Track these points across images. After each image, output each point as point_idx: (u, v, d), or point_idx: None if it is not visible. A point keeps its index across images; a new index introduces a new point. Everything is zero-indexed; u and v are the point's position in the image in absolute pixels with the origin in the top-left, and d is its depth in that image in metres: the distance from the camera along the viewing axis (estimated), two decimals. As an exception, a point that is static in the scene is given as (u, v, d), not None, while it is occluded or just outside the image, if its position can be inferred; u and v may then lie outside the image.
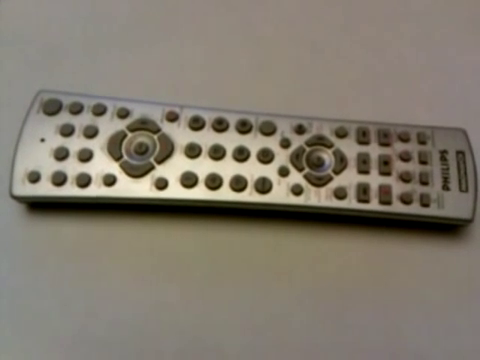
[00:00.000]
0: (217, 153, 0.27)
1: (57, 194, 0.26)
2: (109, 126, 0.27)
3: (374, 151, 0.27)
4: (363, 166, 0.27)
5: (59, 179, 0.26)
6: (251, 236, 0.27)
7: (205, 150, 0.27)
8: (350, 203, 0.26)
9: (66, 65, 0.32)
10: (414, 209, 0.26)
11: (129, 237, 0.27)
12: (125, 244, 0.27)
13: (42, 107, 0.28)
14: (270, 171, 0.26)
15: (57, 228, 0.27)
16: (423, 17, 0.35)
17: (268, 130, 0.27)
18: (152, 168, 0.26)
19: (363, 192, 0.26)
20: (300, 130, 0.27)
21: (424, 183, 0.26)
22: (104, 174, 0.26)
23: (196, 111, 0.28)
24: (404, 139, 0.27)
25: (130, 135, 0.27)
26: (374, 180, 0.26)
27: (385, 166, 0.27)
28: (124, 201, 0.26)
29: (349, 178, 0.26)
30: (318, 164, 0.27)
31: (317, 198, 0.26)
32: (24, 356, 0.25)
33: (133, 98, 0.28)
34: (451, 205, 0.26)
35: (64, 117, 0.28)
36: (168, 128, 0.27)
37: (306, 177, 0.26)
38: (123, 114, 0.28)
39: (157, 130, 0.27)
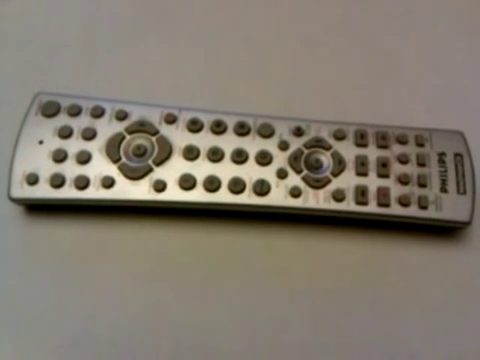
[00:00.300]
0: (215, 155, 0.27)
1: (55, 196, 0.26)
2: (107, 128, 0.27)
3: (372, 153, 0.27)
4: (361, 168, 0.27)
5: (57, 181, 0.26)
6: (249, 238, 0.27)
7: (203, 152, 0.27)
8: (348, 205, 0.26)
9: (64, 67, 0.32)
10: (412, 211, 0.26)
11: (127, 239, 0.27)
12: (123, 246, 0.27)
13: (40, 109, 0.28)
14: (268, 173, 0.26)
15: (55, 230, 0.27)
16: (422, 19, 0.35)
17: (266, 132, 0.27)
18: (150, 170, 0.26)
19: (361, 194, 0.26)
20: (298, 132, 0.27)
21: (422, 185, 0.26)
22: (102, 176, 0.26)
23: (194, 113, 0.28)
24: (402, 141, 0.27)
25: (128, 137, 0.27)
26: (372, 182, 0.26)
27: (383, 168, 0.27)
28: (122, 203, 0.26)
29: (347, 180, 0.26)
30: (316, 166, 0.27)
31: (315, 200, 0.26)
32: (22, 358, 0.25)
33: (131, 100, 0.28)
34: (449, 207, 0.26)
35: (62, 119, 0.27)
36: (166, 130, 0.27)
37: (304, 179, 0.26)
38: (121, 116, 0.28)
39: (155, 132, 0.27)
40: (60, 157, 0.27)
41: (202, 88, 0.32)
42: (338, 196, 0.26)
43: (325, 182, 0.26)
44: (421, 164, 0.27)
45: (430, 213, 0.26)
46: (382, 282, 0.26)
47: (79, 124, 0.27)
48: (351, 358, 0.25)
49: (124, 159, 0.27)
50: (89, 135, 0.27)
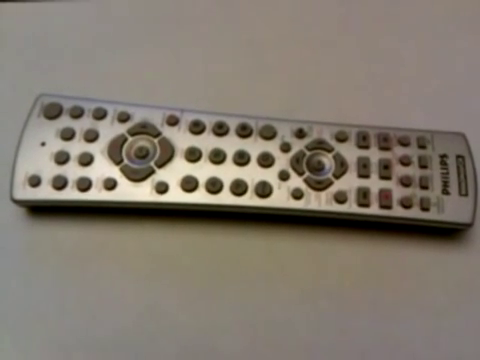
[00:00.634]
0: (217, 157, 0.27)
1: (57, 198, 0.26)
2: (110, 130, 0.27)
3: (374, 155, 0.27)
4: (363, 170, 0.27)
5: (59, 183, 0.26)
6: (251, 240, 0.27)
7: (205, 154, 0.27)
8: (350, 207, 0.26)
9: (67, 69, 0.32)
10: (414, 213, 0.26)
11: (129, 241, 0.27)
12: (125, 248, 0.27)
13: (43, 111, 0.28)
14: (270, 175, 0.27)
15: (57, 232, 0.27)
16: (423, 20, 0.35)
17: (268, 134, 0.27)
18: (152, 172, 0.26)
19: (363, 196, 0.26)
20: (300, 134, 0.27)
21: (424, 187, 0.26)
22: (104, 178, 0.26)
23: (196, 115, 0.28)
24: (404, 143, 0.27)
25: (130, 139, 0.27)
26: (374, 184, 0.26)
27: (385, 170, 0.27)
28: (124, 205, 0.26)
29: (349, 182, 0.26)
30: (318, 168, 0.27)
31: (317, 202, 0.26)
32: (24, 358, 0.25)
33: (133, 102, 0.28)
34: (451, 209, 0.26)
35: (65, 121, 0.28)
36: (168, 132, 0.27)
37: (306, 181, 0.26)
38: (124, 118, 0.28)
39: (157, 134, 0.27)
40: (62, 159, 0.27)
41: (204, 90, 0.32)
42: (340, 198, 0.26)
43: (327, 184, 0.26)
44: (423, 166, 0.27)
45: (432, 215, 0.26)
46: (384, 284, 0.26)
47: (81, 126, 0.27)
48: (352, 359, 0.25)
49: (126, 161, 0.27)
50: (91, 137, 0.27)
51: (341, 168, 0.27)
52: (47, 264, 0.27)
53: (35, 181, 0.26)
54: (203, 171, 0.27)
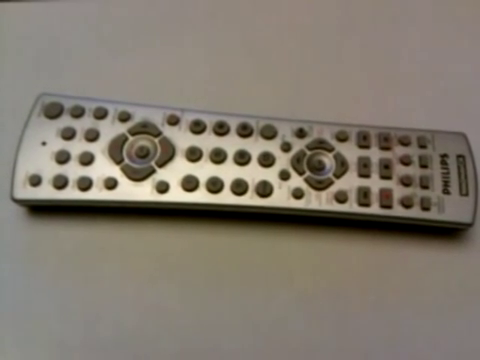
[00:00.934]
0: (218, 157, 0.27)
1: (58, 197, 0.26)
2: (110, 129, 0.27)
3: (375, 155, 0.27)
4: (364, 170, 0.27)
5: (60, 182, 0.26)
6: (252, 240, 0.27)
7: (206, 154, 0.27)
8: (351, 207, 0.26)
9: (67, 68, 0.32)
10: (415, 213, 0.26)
11: (130, 240, 0.27)
12: (126, 247, 0.27)
13: (43, 110, 0.28)
14: (271, 175, 0.27)
15: (58, 231, 0.27)
16: (423, 21, 0.35)
17: (269, 134, 0.27)
18: (153, 172, 0.26)
19: (364, 196, 0.26)
20: (301, 134, 0.27)
21: (425, 187, 0.26)
22: (105, 177, 0.26)
23: (197, 115, 0.28)
24: (405, 143, 0.27)
25: (131, 139, 0.27)
26: (375, 184, 0.26)
27: (386, 170, 0.27)
28: (125, 205, 0.26)
29: (350, 182, 0.26)
30: (319, 168, 0.27)
31: (318, 202, 0.26)
32: (24, 358, 0.25)
33: (134, 102, 0.28)
34: (451, 209, 0.26)
35: (65, 120, 0.28)
36: (169, 132, 0.27)
37: (307, 181, 0.26)
38: (124, 117, 0.28)
39: (158, 134, 0.27)
40: (63, 158, 0.27)
41: (205, 89, 0.32)
42: (340, 197, 0.26)
43: (327, 183, 0.26)
44: (423, 166, 0.27)
45: (432, 215, 0.26)
46: (384, 283, 0.26)
47: (82, 125, 0.27)
48: (353, 358, 0.25)
49: (127, 160, 0.27)
50: (92, 136, 0.27)
51: (342, 168, 0.27)
52: (47, 263, 0.27)
53: (36, 180, 0.26)
54: (204, 171, 0.27)
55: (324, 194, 0.26)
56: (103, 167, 0.27)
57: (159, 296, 0.26)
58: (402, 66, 0.33)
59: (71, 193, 0.26)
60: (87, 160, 0.27)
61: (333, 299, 0.26)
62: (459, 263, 0.27)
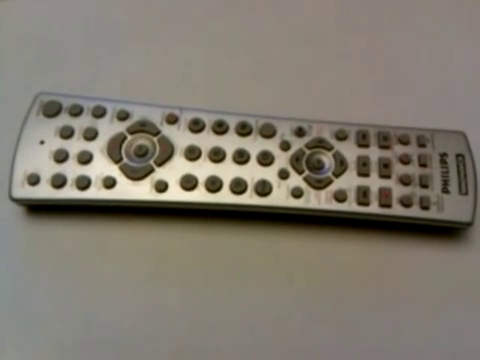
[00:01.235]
0: (217, 156, 0.27)
1: (57, 196, 0.26)
2: (109, 128, 0.27)
3: (374, 154, 0.27)
4: (363, 169, 0.27)
5: (59, 181, 0.26)
6: (251, 239, 0.27)
7: (205, 152, 0.27)
8: (350, 206, 0.26)
9: (66, 67, 0.32)
10: (414, 212, 0.26)
11: (128, 240, 0.27)
12: (124, 247, 0.27)
13: (42, 109, 0.28)
14: (270, 174, 0.26)
15: (56, 231, 0.27)
16: (423, 19, 0.35)
17: (268, 132, 0.27)
18: (152, 171, 0.26)
19: (363, 195, 0.26)
20: (300, 133, 0.27)
21: (424, 186, 0.26)
22: (104, 176, 0.26)
23: (196, 113, 0.28)
24: (404, 142, 0.27)
25: (130, 137, 0.27)
26: (374, 183, 0.26)
27: (385, 169, 0.27)
28: (124, 204, 0.26)
29: (349, 181, 0.26)
30: (318, 167, 0.27)
31: (317, 201, 0.26)
32: (23, 357, 0.25)
33: (133, 100, 0.28)
34: (451, 208, 0.26)
35: (64, 119, 0.27)
36: (168, 130, 0.27)
37: (306, 180, 0.26)
38: (123, 116, 0.28)
39: (157, 132, 0.27)
40: (61, 157, 0.26)
41: (203, 88, 0.31)
42: (340, 197, 0.26)
43: (327, 183, 0.26)
44: (423, 165, 0.27)
45: (432, 214, 0.26)
46: (383, 283, 0.26)
47: (80, 124, 0.27)
48: (353, 358, 0.25)
49: (125, 159, 0.27)
50: (90, 135, 0.27)
51: (341, 167, 0.27)
52: (46, 263, 0.27)
53: (34, 179, 0.26)
54: (203, 170, 0.26)
55: (323, 193, 0.26)
56: (102, 166, 0.26)
57: (158, 295, 0.26)
58: (401, 65, 0.33)
59: (69, 192, 0.26)
60: (85, 159, 0.26)
61: (332, 298, 0.26)
62: (458, 262, 0.27)
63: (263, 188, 0.26)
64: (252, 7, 0.35)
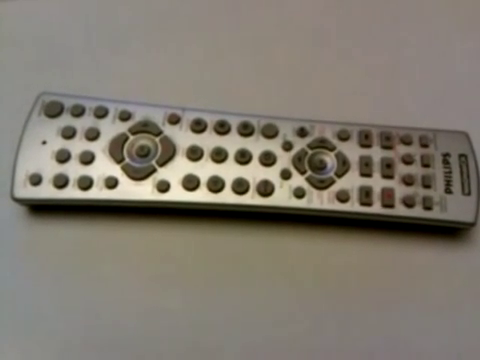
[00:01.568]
0: (219, 156, 0.27)
1: (59, 197, 0.26)
2: (111, 129, 0.27)
3: (376, 154, 0.27)
4: (365, 169, 0.27)
5: (61, 182, 0.26)
6: (253, 239, 0.27)
7: (207, 153, 0.27)
8: (352, 206, 0.26)
9: (68, 67, 0.32)
10: (417, 212, 0.26)
11: (130, 240, 0.27)
12: (126, 247, 0.27)
13: (44, 109, 0.28)
14: (272, 174, 0.26)
15: (58, 231, 0.27)
16: (425, 19, 0.35)
17: (270, 133, 0.27)
18: (154, 171, 0.26)
19: (365, 195, 0.26)
20: (302, 133, 0.27)
21: (427, 186, 0.26)
22: (106, 177, 0.26)
23: (198, 114, 0.28)
24: (406, 142, 0.27)
25: (132, 138, 0.27)
26: (376, 183, 0.26)
27: (387, 169, 0.26)
28: (126, 204, 0.26)
29: (351, 181, 0.26)
30: (320, 167, 0.27)
31: (319, 201, 0.26)
32: (24, 358, 0.25)
33: (135, 101, 0.28)
34: (454, 208, 0.26)
35: (66, 119, 0.27)
36: (170, 131, 0.27)
37: (308, 180, 0.26)
38: (125, 117, 0.28)
39: (159, 133, 0.27)
40: (63, 157, 0.26)
41: (205, 88, 0.31)
42: (342, 197, 0.26)
43: (329, 183, 0.26)
44: (425, 165, 0.27)
45: (435, 214, 0.26)
46: (386, 283, 0.26)
47: (82, 124, 0.27)
48: (355, 358, 0.25)
49: (127, 159, 0.27)
50: (92, 135, 0.27)
51: (343, 167, 0.27)
52: (48, 263, 0.27)
53: (36, 180, 0.26)
54: (205, 170, 0.26)
55: (325, 193, 0.26)
56: (103, 166, 0.26)
57: (159, 295, 0.26)
58: (404, 65, 0.33)
59: (71, 192, 0.26)
60: (87, 159, 0.26)
61: (335, 298, 0.26)
62: (461, 262, 0.27)
63: (265, 188, 0.26)
64: (255, 7, 0.35)
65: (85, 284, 0.26)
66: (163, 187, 0.26)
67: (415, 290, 0.26)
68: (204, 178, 0.26)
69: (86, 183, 0.26)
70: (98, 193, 0.26)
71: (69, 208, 0.27)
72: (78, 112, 0.28)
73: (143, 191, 0.26)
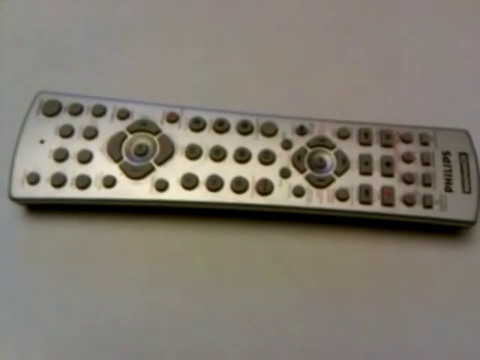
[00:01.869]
0: (218, 154, 0.27)
1: (56, 196, 0.26)
2: (109, 127, 0.27)
3: (376, 152, 0.27)
4: (365, 167, 0.26)
5: (58, 181, 0.26)
6: (252, 238, 0.27)
7: (206, 151, 0.27)
8: (352, 205, 0.26)
9: (66, 66, 0.32)
10: (417, 211, 0.26)
11: (129, 239, 0.27)
12: (125, 246, 0.27)
13: (42, 108, 0.28)
14: (271, 173, 0.26)
15: (56, 230, 0.27)
16: (426, 17, 0.35)
17: (269, 131, 0.27)
18: (152, 170, 0.26)
19: (365, 194, 0.26)
20: (302, 131, 0.27)
21: (427, 185, 0.26)
22: (104, 176, 0.26)
23: (197, 112, 0.28)
24: (406, 140, 0.27)
25: (130, 136, 0.27)
26: (376, 181, 0.26)
27: (387, 167, 0.26)
28: (124, 203, 0.26)
29: (351, 180, 0.26)
30: (320, 165, 0.27)
31: (319, 200, 0.26)
32: (23, 358, 0.25)
33: (133, 99, 0.28)
34: (454, 207, 0.26)
35: (64, 118, 0.27)
36: (168, 129, 0.27)
37: (308, 179, 0.26)
38: (123, 115, 0.27)
39: (157, 131, 0.27)
40: (61, 156, 0.26)
41: (204, 87, 0.31)
42: (342, 195, 0.26)
43: (329, 181, 0.26)
44: (426, 163, 0.27)
45: (435, 212, 0.26)
46: (386, 282, 0.26)
47: (80, 123, 0.27)
48: (356, 358, 0.25)
49: (126, 158, 0.26)
50: (90, 134, 0.27)
51: (343, 165, 0.26)
52: (46, 262, 0.27)
53: (34, 179, 0.26)
54: (203, 169, 0.26)
55: (325, 192, 0.26)
56: (102, 165, 0.26)
57: (159, 294, 0.26)
58: (404, 63, 0.33)
59: (69, 191, 0.26)
60: (85, 158, 0.26)
61: (334, 297, 0.26)
62: (462, 261, 0.27)
63: (264, 187, 0.26)
64: (254, 5, 0.35)
65: (83, 283, 0.26)
66: (161, 186, 0.26)
67: (415, 289, 0.26)
68: (203, 177, 0.26)
69: (84, 182, 0.26)
70: (96, 192, 0.26)
71: (67, 207, 0.27)
72: (76, 111, 0.27)
73: (141, 190, 0.26)
